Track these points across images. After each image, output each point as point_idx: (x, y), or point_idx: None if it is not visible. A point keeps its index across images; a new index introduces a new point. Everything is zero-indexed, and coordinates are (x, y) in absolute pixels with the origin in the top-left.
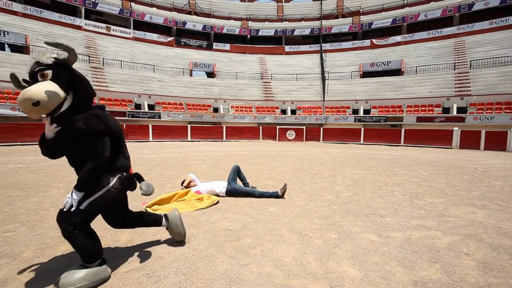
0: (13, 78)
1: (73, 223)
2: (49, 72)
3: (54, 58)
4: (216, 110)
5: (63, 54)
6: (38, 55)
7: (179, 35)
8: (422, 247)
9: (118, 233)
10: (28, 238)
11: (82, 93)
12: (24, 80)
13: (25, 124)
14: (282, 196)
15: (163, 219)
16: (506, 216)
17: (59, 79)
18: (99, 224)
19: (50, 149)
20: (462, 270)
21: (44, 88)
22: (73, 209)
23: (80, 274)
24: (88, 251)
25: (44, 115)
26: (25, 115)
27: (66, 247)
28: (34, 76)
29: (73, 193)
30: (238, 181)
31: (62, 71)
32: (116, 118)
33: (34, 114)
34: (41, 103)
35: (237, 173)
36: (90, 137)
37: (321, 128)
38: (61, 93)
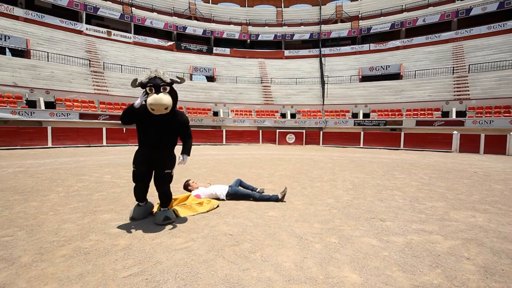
0: (135, 81)
1: (169, 182)
2: (168, 88)
3: (171, 79)
4: (216, 114)
5: (175, 78)
6: (159, 73)
7: (180, 40)
8: (423, 251)
9: (117, 238)
10: (27, 243)
11: (176, 101)
12: (138, 83)
13: (25, 128)
14: (282, 200)
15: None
16: (507, 220)
17: (172, 93)
18: (98, 229)
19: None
20: (463, 274)
21: (169, 99)
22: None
23: (167, 213)
24: (170, 198)
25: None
26: (25, 119)
27: (64, 252)
28: (158, 87)
29: (185, 157)
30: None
31: (172, 88)
32: (116, 122)
33: (160, 112)
34: (168, 108)
35: (239, 183)
36: (188, 124)
37: (321, 132)
38: (172, 103)
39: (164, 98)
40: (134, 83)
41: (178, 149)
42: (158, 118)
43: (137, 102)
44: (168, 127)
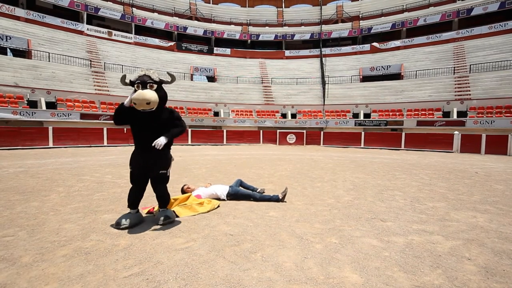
0: (124, 77)
1: (165, 182)
2: (155, 86)
3: (160, 79)
4: (216, 114)
5: (165, 78)
6: (149, 72)
7: (180, 40)
8: (424, 251)
9: (118, 238)
10: (28, 243)
11: (163, 101)
12: (128, 81)
13: (26, 128)
14: (282, 200)
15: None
16: (508, 221)
17: (158, 91)
18: (99, 229)
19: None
20: (464, 275)
21: (153, 94)
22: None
23: (167, 213)
24: (168, 199)
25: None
26: (26, 119)
27: (65, 252)
28: (144, 84)
29: (161, 138)
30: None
31: (160, 87)
32: None
33: (143, 107)
34: (151, 103)
35: (239, 184)
36: (179, 118)
37: (322, 132)
38: (157, 99)
39: (147, 93)
40: (123, 80)
41: (178, 149)
42: (148, 117)
43: (127, 101)
44: (159, 125)
